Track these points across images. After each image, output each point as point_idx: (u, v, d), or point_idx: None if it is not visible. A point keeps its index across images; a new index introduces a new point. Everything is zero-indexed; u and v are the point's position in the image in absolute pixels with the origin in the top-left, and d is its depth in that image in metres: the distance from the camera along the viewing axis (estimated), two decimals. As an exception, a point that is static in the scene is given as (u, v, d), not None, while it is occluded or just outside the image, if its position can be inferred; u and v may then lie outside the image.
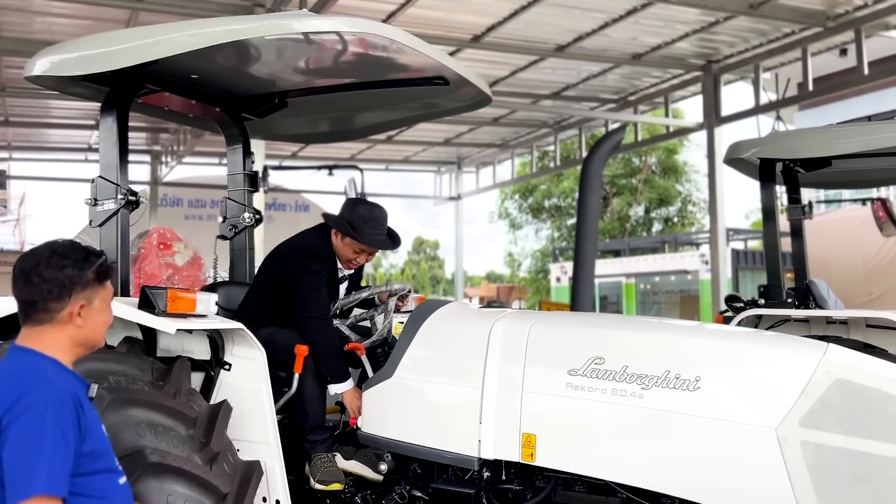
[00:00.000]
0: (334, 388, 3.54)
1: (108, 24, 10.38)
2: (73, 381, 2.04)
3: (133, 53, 3.03)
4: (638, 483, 2.69)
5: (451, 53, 11.05)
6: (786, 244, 5.83)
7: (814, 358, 2.51)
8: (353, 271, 3.99)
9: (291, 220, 21.26)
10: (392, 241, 3.82)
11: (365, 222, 3.71)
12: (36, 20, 10.81)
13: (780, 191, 5.85)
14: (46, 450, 1.85)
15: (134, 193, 3.33)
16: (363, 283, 4.22)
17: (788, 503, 2.38)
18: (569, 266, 24.58)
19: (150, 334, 3.20)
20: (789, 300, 5.52)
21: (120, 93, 3.33)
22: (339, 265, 3.84)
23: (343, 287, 3.95)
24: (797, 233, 5.89)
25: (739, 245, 22.09)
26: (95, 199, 3.30)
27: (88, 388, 2.09)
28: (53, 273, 2.03)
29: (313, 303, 3.60)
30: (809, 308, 5.47)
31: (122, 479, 2.11)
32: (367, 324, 3.95)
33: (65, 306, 2.04)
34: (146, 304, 2.85)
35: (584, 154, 16.92)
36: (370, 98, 4.08)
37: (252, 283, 4.01)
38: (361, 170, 16.66)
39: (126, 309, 2.87)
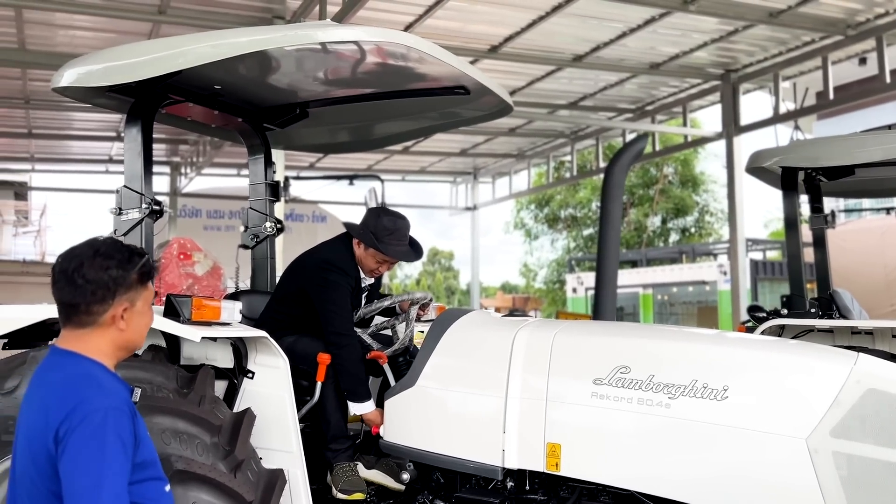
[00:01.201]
0: (354, 408, 3.52)
1: (129, 37, 10.51)
2: (122, 387, 1.97)
3: (158, 64, 3.06)
4: (664, 494, 2.65)
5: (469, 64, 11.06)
6: (807, 254, 5.78)
7: (845, 368, 2.47)
8: (373, 280, 3.99)
9: (309, 230, 21.37)
10: (415, 252, 3.81)
11: (389, 233, 3.70)
12: (59, 33, 10.96)
13: (800, 200, 5.80)
14: (108, 462, 1.77)
15: (158, 203, 3.35)
16: (382, 292, 4.23)
17: (820, 515, 2.35)
18: (585, 277, 24.50)
19: (173, 342, 3.21)
20: (813, 310, 5.46)
21: (144, 103, 3.36)
22: (362, 275, 3.85)
23: (363, 296, 3.96)
24: (820, 242, 5.84)
25: (758, 255, 21.93)
26: (120, 209, 3.32)
27: (132, 392, 2.01)
28: (97, 274, 1.93)
29: (337, 319, 3.58)
30: (833, 318, 5.41)
31: (168, 487, 2.04)
32: (388, 332, 3.95)
33: (108, 309, 1.94)
34: (171, 311, 2.87)
35: (602, 164, 16.90)
36: (391, 108, 4.09)
37: (273, 292, 4.02)
38: (382, 180, 16.70)
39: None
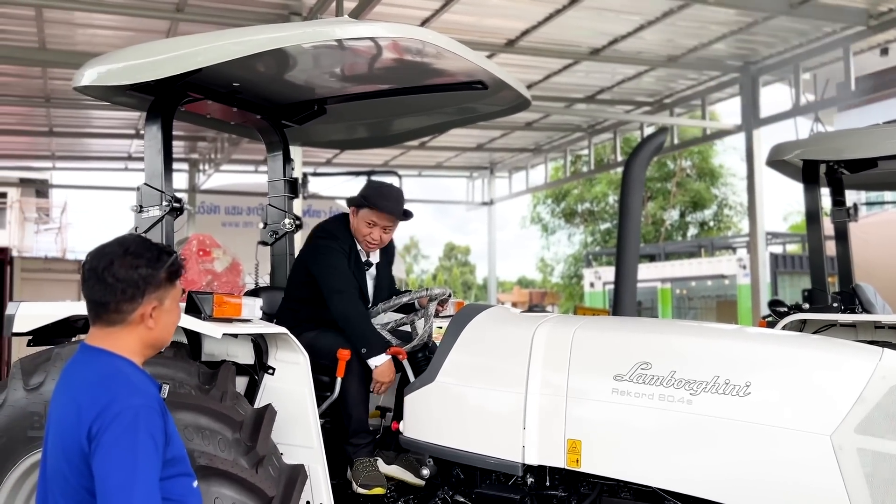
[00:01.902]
0: (371, 362, 3.52)
1: (148, 35, 10.58)
2: (152, 384, 1.98)
3: (178, 63, 3.08)
4: (686, 490, 2.63)
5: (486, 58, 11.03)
6: (828, 248, 5.71)
7: (870, 363, 2.44)
8: (378, 259, 3.99)
9: (325, 226, 21.33)
10: (404, 214, 3.87)
11: (376, 192, 3.83)
12: (78, 32, 11.05)
13: (821, 193, 5.74)
14: (141, 461, 1.78)
15: (178, 200, 3.37)
16: (400, 288, 4.23)
17: (844, 512, 2.32)
18: (602, 271, 24.39)
19: (195, 339, 3.24)
20: (835, 304, 5.40)
21: (164, 101, 3.38)
22: (360, 247, 3.87)
23: (370, 276, 3.95)
24: (842, 236, 5.78)
25: (778, 249, 21.72)
26: (141, 206, 3.35)
27: (160, 389, 2.02)
28: (127, 273, 1.93)
29: (333, 278, 3.65)
30: (856, 313, 5.34)
31: (195, 483, 2.04)
32: (407, 329, 3.96)
33: (137, 307, 1.95)
34: (192, 308, 2.89)
35: (619, 158, 16.78)
36: (408, 104, 4.09)
37: (287, 283, 4.04)
38: (399, 175, 16.70)
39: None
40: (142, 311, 1.96)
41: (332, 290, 3.63)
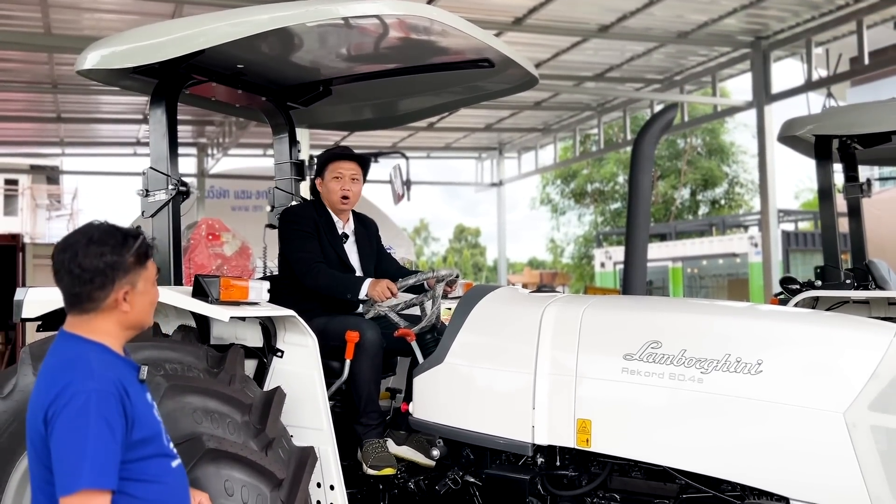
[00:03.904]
0: (362, 294, 3.61)
1: (153, 18, 10.54)
2: (121, 368, 2.00)
3: (180, 44, 3.06)
4: (697, 469, 2.62)
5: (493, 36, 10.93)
6: (841, 224, 5.65)
7: (884, 339, 2.41)
8: (354, 228, 4.03)
9: (335, 209, 21.33)
10: (360, 157, 4.03)
11: (329, 151, 4.02)
12: (84, 16, 11.02)
13: (833, 169, 5.67)
14: (90, 443, 1.82)
15: (184, 184, 3.36)
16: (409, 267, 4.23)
17: (858, 489, 2.30)
18: (613, 251, 24.31)
19: (203, 322, 3.24)
20: (848, 281, 5.35)
21: (168, 84, 3.36)
22: (335, 219, 3.94)
23: (350, 246, 3.98)
24: (855, 212, 5.72)
25: (790, 226, 21.57)
26: (147, 190, 3.34)
27: (139, 370, 2.06)
28: (93, 262, 1.95)
29: (300, 262, 3.76)
30: (869, 289, 5.30)
31: (175, 462, 2.08)
32: (415, 311, 3.94)
33: (109, 294, 1.98)
34: (200, 292, 2.88)
35: (629, 136, 16.66)
36: (414, 83, 4.05)
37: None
38: (407, 157, 16.64)
39: (180, 297, 2.91)
40: (114, 297, 1.99)
41: (303, 274, 3.75)
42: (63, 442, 1.84)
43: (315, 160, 4.37)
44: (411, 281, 3.86)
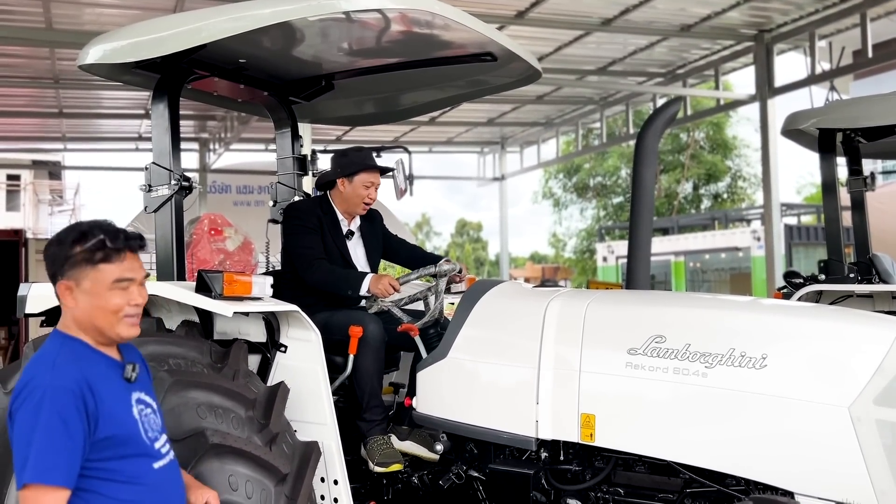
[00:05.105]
0: (363, 289, 3.63)
1: (155, 13, 10.50)
2: (94, 364, 1.98)
3: (182, 39, 3.05)
4: (702, 463, 2.62)
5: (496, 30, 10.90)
6: (844, 218, 5.64)
7: (889, 334, 2.40)
8: (359, 225, 4.03)
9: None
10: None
11: (364, 156, 3.98)
12: (85, 11, 10.99)
13: (836, 162, 5.65)
14: (38, 438, 1.82)
15: (187, 179, 3.35)
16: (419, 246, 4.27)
17: (863, 484, 2.30)
18: (615, 245, 24.29)
19: (206, 317, 3.23)
20: (851, 275, 5.34)
21: (170, 79, 3.35)
22: (340, 217, 3.94)
23: (356, 244, 3.99)
24: (858, 205, 5.70)
25: (792, 220, 21.54)
26: (149, 186, 3.33)
27: (123, 369, 2.05)
28: (49, 251, 2.02)
29: (301, 257, 3.77)
30: (873, 283, 5.29)
31: (159, 463, 2.05)
32: (418, 306, 3.94)
33: (56, 286, 2.01)
34: (203, 287, 2.88)
35: (632, 130, 16.61)
36: (416, 77, 4.04)
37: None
38: (409, 152, 16.64)
39: (183, 292, 2.90)
40: (59, 290, 2.01)
41: (303, 270, 3.76)
42: (16, 437, 1.87)
43: (317, 155, 4.36)
44: (413, 277, 3.85)
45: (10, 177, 29.15)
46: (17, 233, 12.58)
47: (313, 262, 3.75)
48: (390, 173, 4.06)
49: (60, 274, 2.00)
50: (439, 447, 3.31)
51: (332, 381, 3.22)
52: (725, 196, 30.68)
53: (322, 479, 3.01)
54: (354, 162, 3.93)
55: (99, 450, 1.91)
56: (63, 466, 1.84)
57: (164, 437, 2.12)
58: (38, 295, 3.05)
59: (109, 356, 2.06)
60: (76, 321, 2.03)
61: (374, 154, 4.22)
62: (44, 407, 1.84)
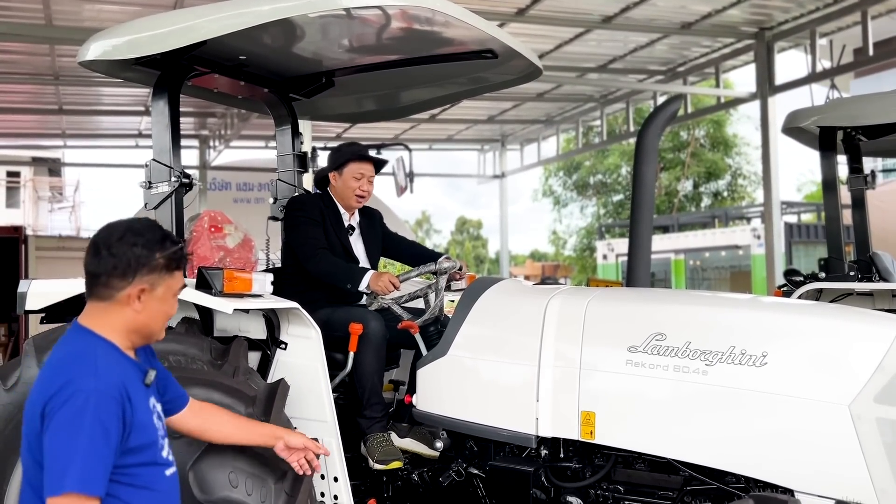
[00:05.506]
0: (363, 286, 3.63)
1: (155, 9, 10.50)
2: (127, 370, 1.95)
3: (182, 35, 3.04)
4: (702, 461, 2.62)
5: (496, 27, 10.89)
6: (844, 216, 5.64)
7: (889, 332, 2.40)
8: (359, 221, 4.05)
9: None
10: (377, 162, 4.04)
11: (354, 148, 4.02)
12: (85, 7, 10.98)
13: (837, 160, 5.64)
14: (83, 446, 1.77)
15: (187, 176, 3.34)
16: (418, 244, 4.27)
17: (863, 482, 2.30)
18: (615, 243, 24.29)
19: (206, 314, 3.24)
20: (852, 273, 5.34)
21: (170, 75, 3.34)
22: (341, 211, 3.97)
23: (356, 239, 4.01)
24: (859, 203, 5.69)
25: (792, 218, 21.53)
26: (150, 182, 3.33)
27: (146, 374, 2.00)
28: (122, 249, 1.93)
29: (304, 246, 3.79)
30: (873, 281, 5.28)
31: (170, 471, 2.03)
32: (418, 303, 3.94)
33: (126, 286, 1.94)
34: (203, 284, 2.88)
35: (632, 128, 16.60)
36: (417, 75, 4.03)
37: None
38: (410, 149, 16.66)
39: (184, 290, 2.90)
40: (129, 292, 1.95)
41: (306, 259, 3.78)
42: (56, 441, 1.79)
43: (317, 152, 4.36)
44: (414, 274, 3.85)
45: (9, 173, 29.15)
46: (17, 229, 12.58)
47: (317, 252, 3.76)
48: (387, 168, 4.07)
49: (133, 276, 1.94)
50: (439, 444, 3.31)
51: (332, 378, 3.22)
52: (726, 194, 30.67)
53: (322, 477, 3.02)
54: (343, 153, 4.00)
55: (125, 457, 1.88)
56: (102, 476, 1.80)
57: (167, 444, 2.08)
58: (38, 292, 3.05)
59: (133, 360, 2.02)
60: (128, 324, 1.97)
61: (375, 152, 4.22)
62: (88, 412, 1.79)
